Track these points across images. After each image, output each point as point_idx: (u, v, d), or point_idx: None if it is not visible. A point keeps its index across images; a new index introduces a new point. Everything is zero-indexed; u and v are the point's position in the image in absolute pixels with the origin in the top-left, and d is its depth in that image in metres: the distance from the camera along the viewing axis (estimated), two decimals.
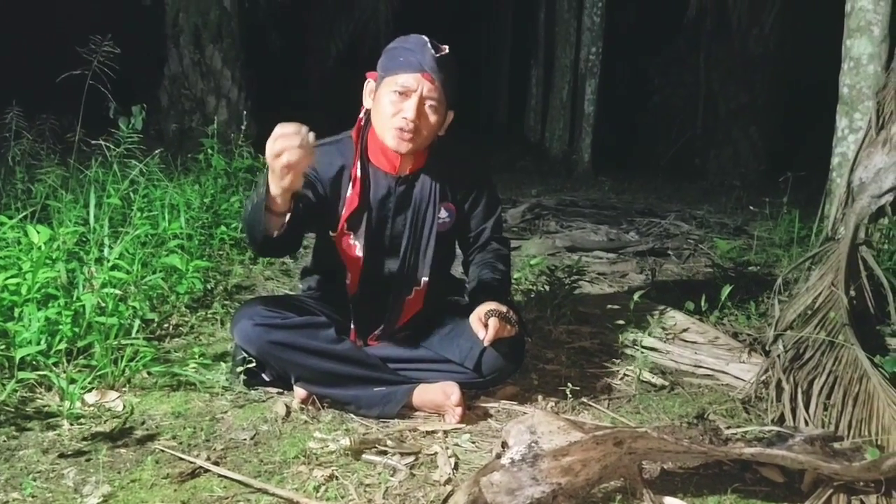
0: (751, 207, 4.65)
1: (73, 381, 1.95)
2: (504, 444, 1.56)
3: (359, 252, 2.05)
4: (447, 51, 1.95)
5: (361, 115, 2.05)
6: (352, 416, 1.99)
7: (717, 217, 6.15)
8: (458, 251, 2.32)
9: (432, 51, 1.92)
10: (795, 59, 9.12)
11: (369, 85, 2.03)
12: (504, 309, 1.93)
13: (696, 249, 4.64)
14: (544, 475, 1.48)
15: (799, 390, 2.11)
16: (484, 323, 1.90)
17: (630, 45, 11.80)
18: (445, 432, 1.91)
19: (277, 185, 1.68)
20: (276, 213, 1.77)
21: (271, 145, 1.62)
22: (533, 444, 1.50)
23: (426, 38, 1.95)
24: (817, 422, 1.97)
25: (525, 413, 1.97)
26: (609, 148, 10.31)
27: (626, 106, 11.67)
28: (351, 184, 2.03)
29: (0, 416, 1.86)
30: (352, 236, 2.05)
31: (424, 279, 2.08)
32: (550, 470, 1.48)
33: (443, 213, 2.10)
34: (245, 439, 1.84)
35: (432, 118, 1.95)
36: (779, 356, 2.32)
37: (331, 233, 2.06)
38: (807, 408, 2.03)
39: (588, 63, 9.51)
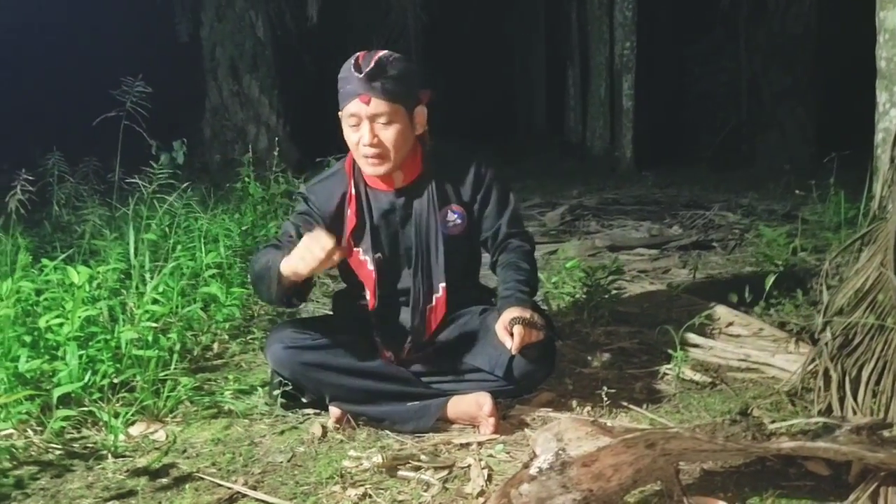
0: (797, 192, 4.49)
1: (116, 415, 2.01)
2: (533, 454, 1.54)
3: (370, 266, 2.07)
4: (376, 59, 1.90)
5: None
6: (387, 432, 1.99)
7: (765, 204, 5.98)
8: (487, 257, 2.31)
9: (355, 73, 1.90)
10: (837, 35, 8.81)
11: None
12: (528, 314, 1.91)
13: (742, 239, 4.52)
14: (574, 482, 1.45)
15: (847, 378, 2.02)
16: (509, 331, 1.88)
17: (667, 37, 11.59)
18: (480, 444, 1.89)
19: (301, 272, 1.82)
20: (288, 282, 1.88)
21: (319, 255, 1.76)
22: (560, 452, 1.47)
23: (352, 60, 1.93)
24: (866, 410, 1.89)
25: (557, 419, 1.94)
26: (652, 142, 10.12)
27: (668, 98, 11.45)
28: (347, 205, 2.07)
29: (48, 455, 1.92)
30: (360, 253, 2.08)
31: (442, 285, 2.08)
32: (580, 477, 1.45)
33: (451, 216, 2.10)
34: (282, 462, 1.86)
35: (391, 131, 1.95)
36: (826, 344, 2.23)
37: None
38: (854, 396, 1.94)
39: (623, 58, 9.40)
